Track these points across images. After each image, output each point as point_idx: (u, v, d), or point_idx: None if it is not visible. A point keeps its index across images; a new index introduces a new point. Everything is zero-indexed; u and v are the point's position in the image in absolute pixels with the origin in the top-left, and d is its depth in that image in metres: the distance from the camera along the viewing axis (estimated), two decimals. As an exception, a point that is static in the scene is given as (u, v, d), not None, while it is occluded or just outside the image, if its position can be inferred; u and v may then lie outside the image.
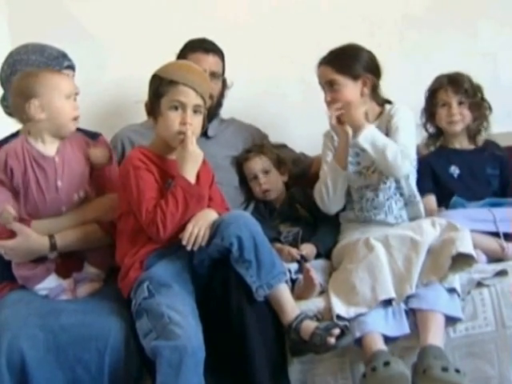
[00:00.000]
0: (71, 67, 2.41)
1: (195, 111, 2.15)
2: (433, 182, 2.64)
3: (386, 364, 1.95)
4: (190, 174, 2.10)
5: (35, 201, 2.15)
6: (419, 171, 2.59)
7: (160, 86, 2.14)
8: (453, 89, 2.64)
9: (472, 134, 2.70)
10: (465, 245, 2.16)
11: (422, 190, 2.58)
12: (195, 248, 2.05)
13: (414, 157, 2.48)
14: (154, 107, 2.17)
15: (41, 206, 2.16)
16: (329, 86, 2.53)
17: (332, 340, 1.97)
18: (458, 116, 2.64)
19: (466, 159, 2.67)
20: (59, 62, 2.37)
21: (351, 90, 2.51)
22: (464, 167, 2.65)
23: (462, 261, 2.16)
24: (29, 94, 2.12)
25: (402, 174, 2.46)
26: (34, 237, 2.14)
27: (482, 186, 2.63)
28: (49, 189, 2.15)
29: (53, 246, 2.16)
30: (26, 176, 2.13)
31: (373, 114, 2.58)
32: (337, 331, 1.99)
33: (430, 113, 2.71)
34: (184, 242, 2.04)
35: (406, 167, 2.42)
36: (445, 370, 1.94)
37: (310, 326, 2.01)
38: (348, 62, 2.52)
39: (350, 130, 2.46)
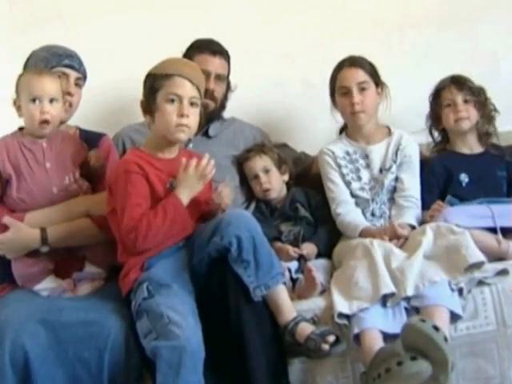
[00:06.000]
0: (71, 67, 2.39)
1: (192, 103, 2.15)
2: (438, 190, 2.60)
3: (400, 364, 1.87)
4: (185, 197, 2.12)
5: (27, 183, 2.19)
6: (426, 180, 2.59)
7: (155, 81, 2.15)
8: (456, 86, 2.60)
9: (480, 135, 2.65)
10: (474, 254, 2.16)
11: (427, 204, 2.54)
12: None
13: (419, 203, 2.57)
14: (149, 104, 2.17)
15: (33, 186, 2.19)
16: (358, 87, 2.56)
17: (326, 347, 1.97)
18: (465, 113, 2.59)
19: (475, 164, 2.61)
20: (59, 59, 2.37)
21: (374, 94, 2.59)
22: (473, 173, 2.58)
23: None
24: (16, 93, 2.20)
25: None
26: (25, 230, 2.17)
27: (492, 190, 2.54)
28: (38, 169, 2.20)
29: (44, 240, 2.17)
30: (16, 161, 2.18)
31: (382, 133, 2.65)
32: (332, 338, 1.98)
33: (436, 115, 2.66)
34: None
35: None
36: (423, 321, 1.90)
37: (305, 329, 2.01)
38: (374, 68, 2.61)
39: None
